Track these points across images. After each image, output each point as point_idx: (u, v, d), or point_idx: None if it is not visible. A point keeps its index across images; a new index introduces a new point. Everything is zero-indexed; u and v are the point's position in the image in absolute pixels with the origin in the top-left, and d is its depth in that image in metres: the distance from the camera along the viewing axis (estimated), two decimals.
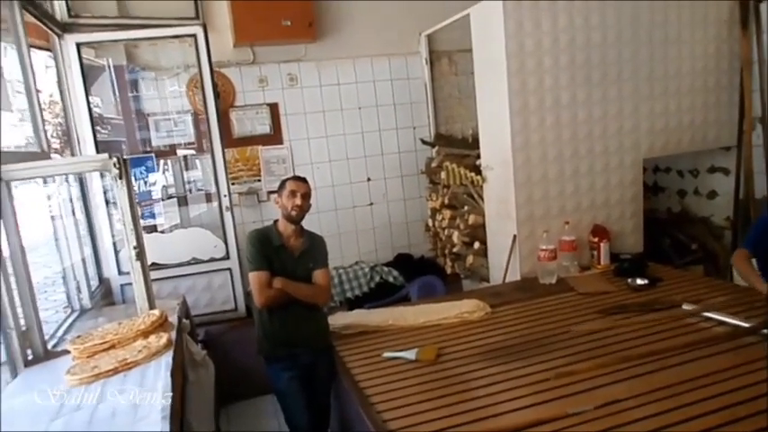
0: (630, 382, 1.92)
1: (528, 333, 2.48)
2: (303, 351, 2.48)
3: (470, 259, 3.90)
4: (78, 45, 3.31)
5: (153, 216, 3.75)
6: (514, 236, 3.35)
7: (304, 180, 2.55)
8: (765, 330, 2.18)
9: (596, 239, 3.41)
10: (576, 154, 3.43)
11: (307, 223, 2.58)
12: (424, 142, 4.48)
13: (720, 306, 2.52)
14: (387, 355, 2.35)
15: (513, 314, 2.76)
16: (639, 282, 2.99)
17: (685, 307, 2.55)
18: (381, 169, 4.46)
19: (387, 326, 2.67)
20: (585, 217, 3.50)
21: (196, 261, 3.67)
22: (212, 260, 3.68)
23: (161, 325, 2.16)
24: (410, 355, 2.30)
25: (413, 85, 4.45)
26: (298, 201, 2.45)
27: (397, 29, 4.33)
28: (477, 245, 3.80)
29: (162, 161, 3.91)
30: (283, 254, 2.47)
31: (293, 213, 2.46)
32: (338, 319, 2.76)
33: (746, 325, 2.25)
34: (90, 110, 3.38)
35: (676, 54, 3.57)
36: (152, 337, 2.03)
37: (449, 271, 4.26)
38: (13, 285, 2.05)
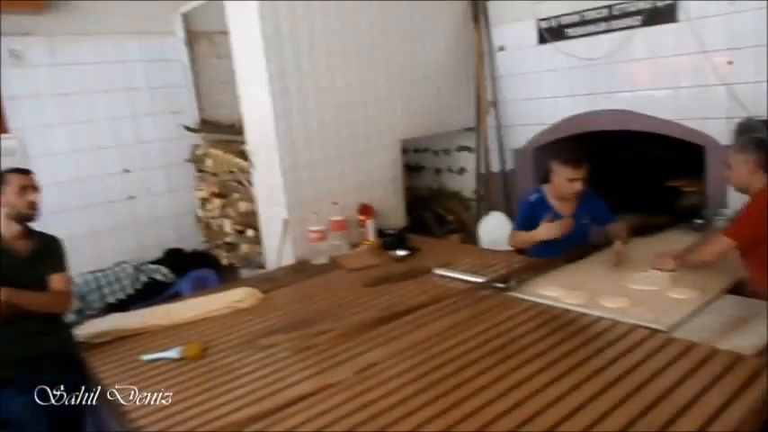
0: (387, 346, 2.05)
1: (298, 313, 2.50)
2: (43, 370, 2.14)
3: (244, 248, 3.81)
4: None
5: None
6: (285, 220, 3.35)
7: (30, 172, 2.23)
8: (497, 284, 2.53)
9: (363, 218, 3.58)
10: (340, 137, 3.54)
11: (49, 224, 2.25)
12: (187, 129, 4.19)
13: (465, 267, 2.85)
14: (146, 358, 2.15)
15: (285, 297, 2.77)
16: (400, 253, 3.23)
17: (436, 271, 2.84)
18: (141, 159, 4.06)
19: (148, 327, 2.45)
20: (352, 197, 3.65)
21: None
22: None
23: None
24: (173, 354, 2.14)
25: (170, 66, 4.13)
26: (32, 197, 2.16)
27: (148, 3, 3.94)
28: (250, 232, 3.72)
29: None
30: (8, 259, 2.11)
31: (31, 212, 2.17)
32: (88, 328, 2.43)
33: (482, 280, 2.59)
34: None
35: (422, 45, 3.91)
36: None
37: (224, 262, 4.11)
38: None
